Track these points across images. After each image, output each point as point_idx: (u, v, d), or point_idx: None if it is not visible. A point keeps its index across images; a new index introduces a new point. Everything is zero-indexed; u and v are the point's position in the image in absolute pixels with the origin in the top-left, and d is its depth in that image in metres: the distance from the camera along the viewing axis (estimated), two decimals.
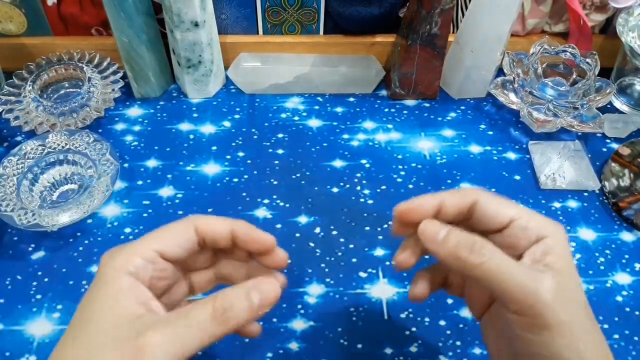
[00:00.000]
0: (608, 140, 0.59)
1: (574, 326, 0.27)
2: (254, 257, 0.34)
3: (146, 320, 0.27)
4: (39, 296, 0.44)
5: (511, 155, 0.57)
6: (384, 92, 0.64)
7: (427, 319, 0.44)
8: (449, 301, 0.45)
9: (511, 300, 0.28)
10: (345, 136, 0.58)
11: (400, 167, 0.55)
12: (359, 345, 0.43)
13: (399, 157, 0.56)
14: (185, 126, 0.59)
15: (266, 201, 0.52)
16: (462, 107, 0.62)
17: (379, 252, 0.48)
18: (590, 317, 0.29)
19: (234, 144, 0.57)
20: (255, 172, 0.54)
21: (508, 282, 0.28)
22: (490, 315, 0.33)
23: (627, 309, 0.45)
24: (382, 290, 0.46)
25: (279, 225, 0.50)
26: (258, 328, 0.35)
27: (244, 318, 0.28)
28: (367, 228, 0.50)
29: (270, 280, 0.30)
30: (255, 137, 0.58)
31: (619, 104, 0.62)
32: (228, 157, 0.56)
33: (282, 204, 0.52)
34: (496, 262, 0.28)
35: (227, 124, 0.59)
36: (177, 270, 0.33)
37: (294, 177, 0.54)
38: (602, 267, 0.48)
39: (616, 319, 0.44)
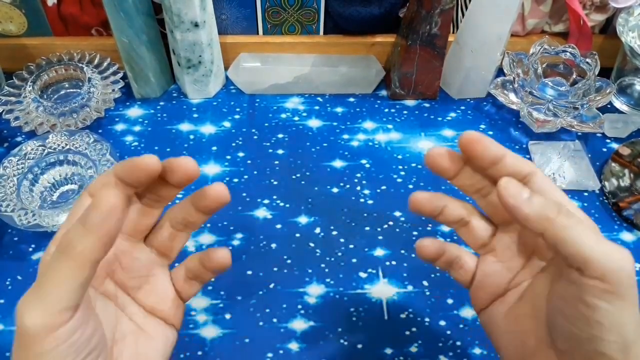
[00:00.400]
0: (608, 140, 0.59)
1: (637, 302, 0.28)
2: (169, 183, 0.31)
3: None
4: None
5: None
6: (384, 92, 0.64)
7: (427, 319, 0.44)
8: (449, 301, 0.45)
9: (595, 265, 0.27)
10: (345, 136, 0.58)
11: (400, 167, 0.55)
12: (359, 345, 0.43)
13: (399, 157, 0.56)
14: (185, 126, 0.59)
15: (266, 201, 0.52)
16: (462, 107, 0.62)
17: (379, 252, 0.49)
18: None
19: (234, 144, 0.57)
20: (255, 172, 0.54)
21: (595, 247, 0.27)
22: (502, 304, 0.33)
23: None
24: (382, 290, 0.46)
25: (279, 225, 0.50)
26: (224, 253, 0.33)
27: (88, 241, 0.26)
28: (367, 228, 0.50)
29: (106, 189, 0.26)
30: (255, 137, 0.58)
31: (619, 103, 0.62)
32: (228, 157, 0.56)
33: (282, 204, 0.52)
34: (581, 227, 0.28)
35: (227, 124, 0.59)
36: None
37: (294, 177, 0.54)
38: None
39: None
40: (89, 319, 0.28)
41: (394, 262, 0.48)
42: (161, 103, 0.61)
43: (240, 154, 0.56)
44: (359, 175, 0.55)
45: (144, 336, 0.32)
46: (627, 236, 0.50)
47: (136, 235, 0.33)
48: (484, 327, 0.34)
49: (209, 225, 0.50)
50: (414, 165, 0.56)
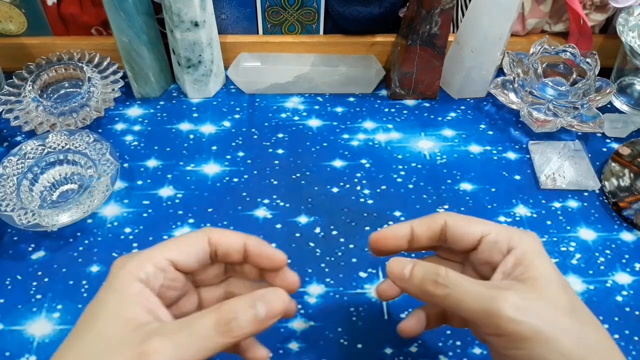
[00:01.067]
0: (608, 140, 0.59)
1: (550, 330, 0.27)
2: (264, 275, 0.34)
3: (151, 327, 0.27)
4: (39, 296, 0.45)
5: (511, 155, 0.57)
6: (384, 92, 0.63)
7: None
8: None
9: (482, 325, 0.28)
10: (345, 136, 0.58)
11: (400, 167, 0.55)
12: (359, 345, 0.43)
13: (399, 157, 0.56)
14: (185, 126, 0.59)
15: (266, 201, 0.52)
16: (462, 107, 0.62)
17: None
18: (575, 315, 0.29)
19: (234, 144, 0.57)
20: (255, 172, 0.54)
21: (474, 307, 0.28)
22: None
23: (627, 309, 0.45)
24: None
25: (279, 225, 0.50)
26: (265, 353, 0.34)
27: (249, 330, 0.28)
28: (367, 228, 0.50)
29: (277, 291, 0.29)
30: (255, 137, 0.58)
31: (619, 103, 0.62)
32: (228, 157, 0.56)
33: (282, 204, 0.52)
34: (460, 290, 0.29)
35: (227, 123, 0.59)
36: (188, 282, 0.33)
37: (294, 177, 0.54)
38: (602, 267, 0.48)
39: (616, 319, 0.44)
40: None
41: None
42: (161, 103, 0.61)
43: (240, 154, 0.56)
44: (359, 175, 0.55)
45: None
46: (627, 236, 0.50)
47: (195, 283, 0.34)
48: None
49: (209, 225, 0.50)
50: (414, 165, 0.56)
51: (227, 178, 0.54)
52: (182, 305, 0.33)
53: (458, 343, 0.43)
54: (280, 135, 0.58)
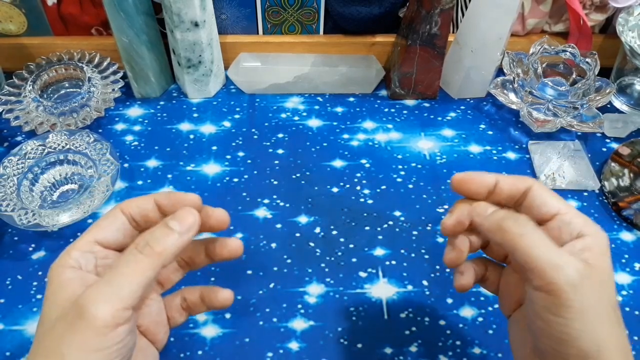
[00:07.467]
0: (608, 140, 0.59)
1: (595, 314, 0.28)
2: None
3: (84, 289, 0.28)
4: (39, 296, 0.45)
5: (511, 155, 0.57)
6: (384, 92, 0.64)
7: (427, 319, 0.44)
8: (449, 301, 0.45)
9: (538, 275, 0.28)
10: (345, 136, 0.58)
11: (400, 167, 0.55)
12: (359, 345, 0.43)
13: (399, 157, 0.56)
14: (185, 126, 0.59)
15: (266, 201, 0.52)
16: (462, 107, 0.62)
17: (379, 252, 0.49)
18: (615, 314, 0.29)
19: (234, 144, 0.57)
20: (255, 172, 0.54)
21: (540, 256, 0.28)
22: (519, 312, 0.34)
23: (627, 309, 0.45)
24: (382, 290, 0.46)
25: (279, 225, 0.50)
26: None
27: (169, 243, 0.29)
28: (367, 228, 0.50)
29: (185, 208, 0.31)
30: (255, 137, 0.58)
31: (618, 103, 0.62)
32: (228, 157, 0.56)
33: (282, 204, 0.52)
34: (535, 236, 0.29)
35: (227, 124, 0.59)
36: None
37: (294, 177, 0.54)
38: None
39: None
40: (135, 327, 0.30)
41: (394, 262, 0.48)
42: (161, 103, 0.61)
43: (240, 154, 0.56)
44: (359, 175, 0.55)
45: (141, 354, 0.33)
46: (627, 236, 0.50)
47: None
48: (509, 335, 0.35)
49: None
50: (414, 165, 0.56)
51: (227, 178, 0.54)
52: (147, 311, 0.35)
53: (458, 343, 0.43)
54: (280, 135, 0.58)
